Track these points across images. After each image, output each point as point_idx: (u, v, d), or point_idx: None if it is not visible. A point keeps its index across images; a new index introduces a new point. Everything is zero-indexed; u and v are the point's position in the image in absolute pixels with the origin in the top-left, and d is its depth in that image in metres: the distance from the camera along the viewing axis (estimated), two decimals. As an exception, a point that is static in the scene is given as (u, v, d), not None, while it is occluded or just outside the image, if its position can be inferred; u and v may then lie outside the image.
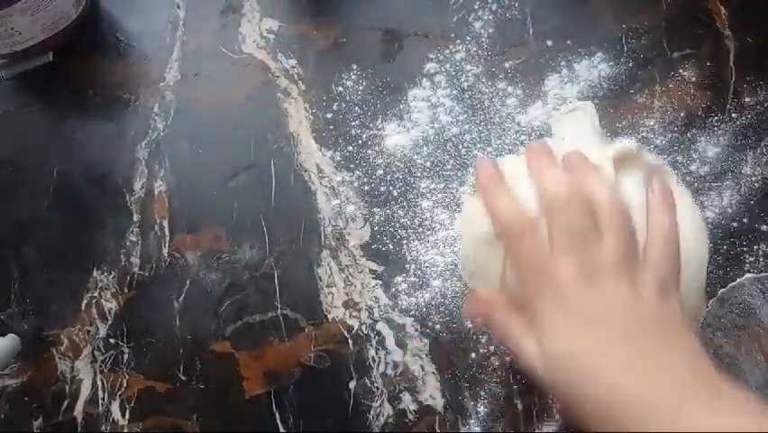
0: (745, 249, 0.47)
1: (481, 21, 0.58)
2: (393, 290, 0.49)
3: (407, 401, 0.46)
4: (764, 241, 0.47)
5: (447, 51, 0.57)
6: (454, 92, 0.55)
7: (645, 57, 0.54)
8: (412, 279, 0.49)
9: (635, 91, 0.53)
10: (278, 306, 0.50)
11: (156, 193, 0.55)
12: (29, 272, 0.54)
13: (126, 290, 0.52)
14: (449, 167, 0.53)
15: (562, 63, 0.55)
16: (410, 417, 0.46)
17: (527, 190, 0.34)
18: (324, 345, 0.49)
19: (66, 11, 0.59)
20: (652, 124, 0.52)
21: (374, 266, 0.50)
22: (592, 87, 0.54)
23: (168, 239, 0.53)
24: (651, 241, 0.30)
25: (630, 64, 0.54)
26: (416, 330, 0.48)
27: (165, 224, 0.54)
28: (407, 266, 0.50)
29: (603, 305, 0.28)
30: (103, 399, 0.49)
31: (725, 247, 0.48)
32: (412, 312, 0.49)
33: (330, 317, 0.49)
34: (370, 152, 0.54)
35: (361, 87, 0.56)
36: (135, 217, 0.54)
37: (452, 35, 0.57)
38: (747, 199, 0.49)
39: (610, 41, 0.55)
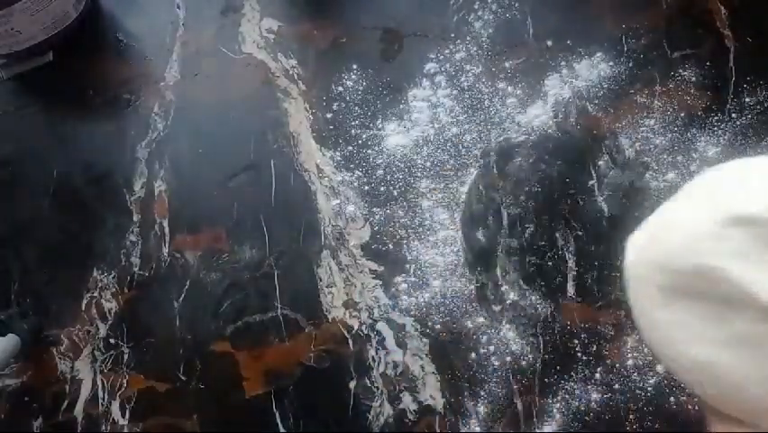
0: (745, 249, 0.47)
1: (481, 21, 0.58)
2: (393, 290, 0.49)
3: (407, 401, 0.46)
4: (764, 241, 0.47)
5: (447, 51, 0.57)
6: (454, 92, 0.55)
7: (645, 57, 0.54)
8: (412, 279, 0.49)
9: (635, 91, 0.53)
10: (278, 306, 0.50)
11: (156, 193, 0.55)
12: (29, 272, 0.54)
13: (126, 290, 0.52)
14: (449, 167, 0.52)
15: (562, 63, 0.55)
16: (410, 417, 0.46)
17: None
18: (324, 345, 0.49)
19: (66, 10, 0.59)
20: (652, 124, 0.52)
21: (374, 266, 0.50)
22: (592, 87, 0.54)
23: (168, 239, 0.53)
24: None
25: (630, 64, 0.54)
26: (416, 330, 0.48)
27: (165, 224, 0.54)
28: (407, 266, 0.50)
29: None
30: (103, 399, 0.49)
31: (725, 247, 0.47)
32: (412, 312, 0.49)
33: (330, 317, 0.49)
34: (370, 151, 0.54)
35: (361, 87, 0.56)
36: (135, 217, 0.54)
37: (452, 35, 0.57)
38: (747, 199, 0.49)
39: (610, 41, 0.55)
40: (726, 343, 0.23)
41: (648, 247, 0.26)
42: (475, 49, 0.56)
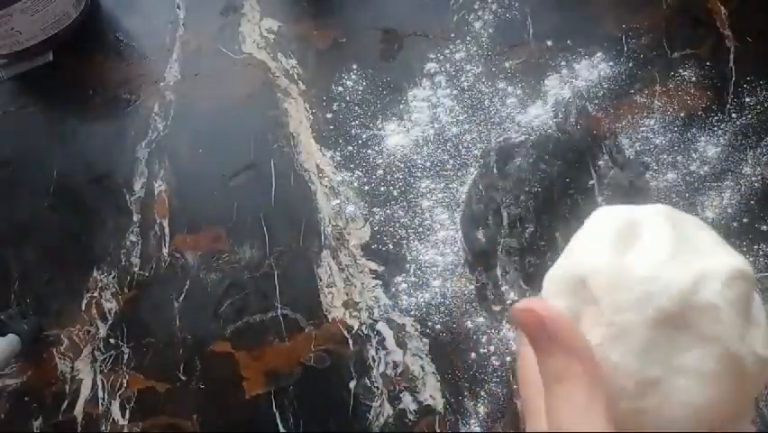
0: (744, 249, 0.47)
1: (481, 21, 0.58)
2: (393, 290, 0.49)
3: (407, 401, 0.46)
4: (764, 241, 0.47)
5: (447, 51, 0.57)
6: (454, 92, 0.55)
7: (645, 57, 0.54)
8: (412, 279, 0.49)
9: (635, 91, 0.53)
10: (278, 306, 0.50)
11: (156, 193, 0.55)
12: (29, 272, 0.54)
13: (126, 290, 0.52)
14: (449, 167, 0.53)
15: (562, 63, 0.55)
16: (410, 417, 0.46)
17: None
18: (324, 345, 0.49)
19: (66, 11, 0.59)
20: (652, 124, 0.52)
21: (374, 266, 0.50)
22: (592, 87, 0.54)
23: (168, 239, 0.53)
24: None
25: (630, 64, 0.54)
26: (416, 330, 0.48)
27: (165, 224, 0.54)
28: (407, 266, 0.50)
29: None
30: (103, 399, 0.49)
31: (725, 247, 0.47)
32: (412, 312, 0.49)
33: (330, 317, 0.49)
34: (370, 151, 0.54)
35: (361, 87, 0.56)
36: (135, 217, 0.54)
37: (452, 35, 0.57)
38: (747, 199, 0.49)
39: (610, 41, 0.55)
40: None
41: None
42: (475, 49, 0.56)
